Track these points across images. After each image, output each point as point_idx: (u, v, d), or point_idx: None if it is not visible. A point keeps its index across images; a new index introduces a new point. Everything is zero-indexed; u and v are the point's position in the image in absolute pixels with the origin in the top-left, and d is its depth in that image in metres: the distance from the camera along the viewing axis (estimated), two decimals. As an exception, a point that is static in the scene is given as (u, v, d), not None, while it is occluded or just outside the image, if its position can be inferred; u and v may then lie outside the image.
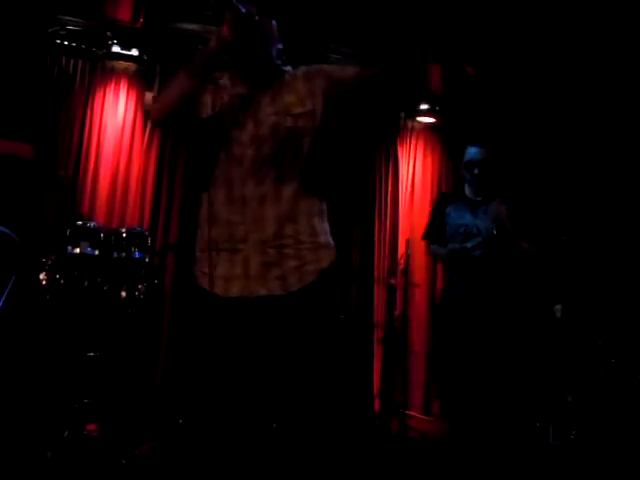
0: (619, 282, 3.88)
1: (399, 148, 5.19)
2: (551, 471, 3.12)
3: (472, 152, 3.08)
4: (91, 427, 2.95)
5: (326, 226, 1.71)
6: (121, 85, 4.50)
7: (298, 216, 1.65)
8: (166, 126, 1.67)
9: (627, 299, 3.79)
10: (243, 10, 1.57)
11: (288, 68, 1.79)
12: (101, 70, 4.47)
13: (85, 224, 3.05)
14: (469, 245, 2.91)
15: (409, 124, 5.25)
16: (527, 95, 4.46)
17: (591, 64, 4.16)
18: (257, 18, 1.62)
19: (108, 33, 4.29)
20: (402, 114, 5.10)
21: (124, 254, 3.03)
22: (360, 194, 4.96)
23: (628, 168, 4.17)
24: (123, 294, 3.01)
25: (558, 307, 3.90)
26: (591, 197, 4.30)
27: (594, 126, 4.30)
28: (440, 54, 4.56)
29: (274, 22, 1.76)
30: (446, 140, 5.27)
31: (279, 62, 1.74)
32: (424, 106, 5.00)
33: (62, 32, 4.30)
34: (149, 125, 4.40)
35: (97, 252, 2.99)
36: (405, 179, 5.15)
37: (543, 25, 3.98)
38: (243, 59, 1.67)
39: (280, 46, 1.76)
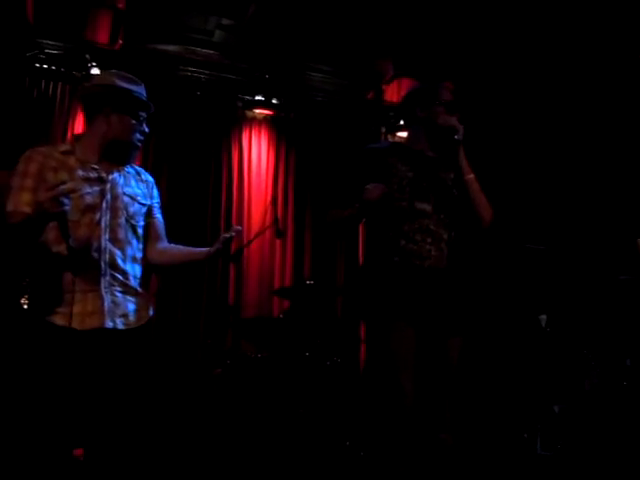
0: (602, 290, 3.92)
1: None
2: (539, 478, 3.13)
3: None
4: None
5: None
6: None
7: None
8: None
9: (611, 307, 3.82)
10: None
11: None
12: (81, 92, 4.48)
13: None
14: None
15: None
16: (502, 100, 4.53)
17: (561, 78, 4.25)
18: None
19: (87, 56, 4.31)
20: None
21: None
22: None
23: (606, 174, 4.22)
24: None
25: (543, 317, 3.92)
26: (568, 206, 4.35)
27: (570, 133, 4.36)
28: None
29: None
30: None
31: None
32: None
33: (41, 56, 4.32)
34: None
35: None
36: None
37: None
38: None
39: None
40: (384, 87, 5.06)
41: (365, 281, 2.27)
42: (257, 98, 5.00)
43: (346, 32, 4.34)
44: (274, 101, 5.05)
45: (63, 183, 1.72)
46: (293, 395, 3.52)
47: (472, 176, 2.22)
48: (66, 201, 1.71)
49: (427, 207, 2.21)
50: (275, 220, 4.06)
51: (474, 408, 3.69)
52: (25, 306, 3.07)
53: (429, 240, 2.20)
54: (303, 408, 3.46)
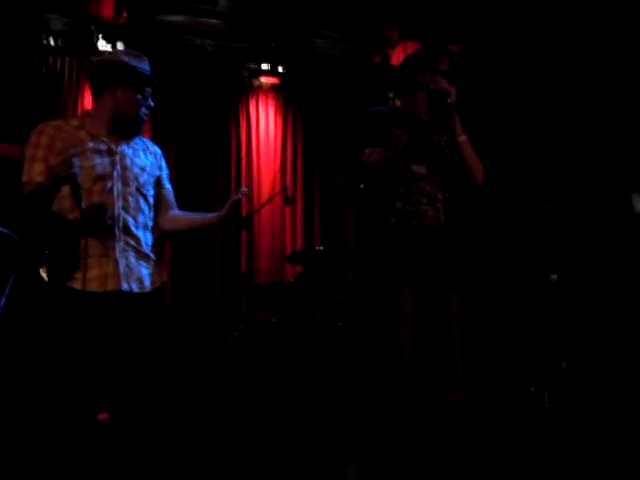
0: (612, 249, 3.95)
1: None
2: (547, 432, 3.21)
3: None
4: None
5: None
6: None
7: None
8: None
9: (620, 265, 3.86)
10: None
11: None
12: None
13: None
14: None
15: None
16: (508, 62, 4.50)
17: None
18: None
19: (92, 27, 4.34)
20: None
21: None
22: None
23: (617, 135, 4.20)
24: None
25: (554, 277, 3.96)
26: (581, 166, 4.34)
27: (582, 93, 4.32)
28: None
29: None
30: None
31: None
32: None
33: (47, 32, 4.35)
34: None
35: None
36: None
37: None
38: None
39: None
40: (390, 51, 5.04)
41: (363, 242, 2.34)
42: (263, 67, 5.01)
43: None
44: (280, 69, 5.05)
45: (72, 147, 1.81)
46: (306, 356, 3.63)
47: (464, 138, 2.27)
48: (76, 163, 1.80)
49: (422, 169, 2.27)
50: (284, 187, 4.13)
51: (482, 363, 3.78)
52: (45, 277, 3.19)
53: (425, 201, 2.25)
54: (316, 368, 3.58)
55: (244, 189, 2.27)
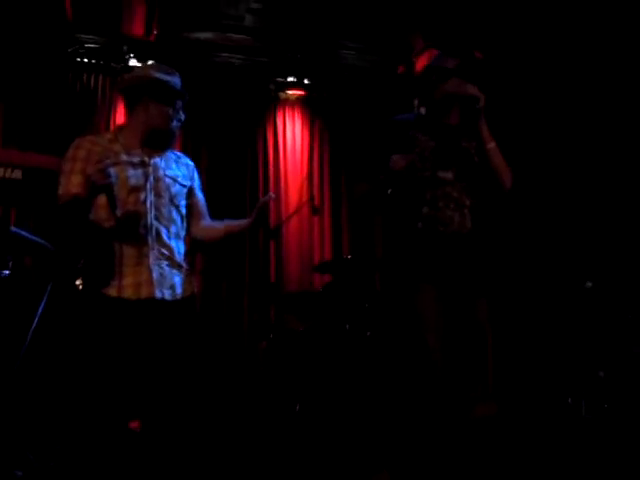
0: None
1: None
2: (584, 442, 3.12)
3: None
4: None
5: None
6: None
7: None
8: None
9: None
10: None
11: None
12: (121, 84, 4.65)
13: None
14: None
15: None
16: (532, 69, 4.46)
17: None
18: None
19: (124, 48, 4.47)
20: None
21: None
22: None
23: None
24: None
25: (589, 284, 3.89)
26: (615, 171, 4.26)
27: (613, 99, 4.25)
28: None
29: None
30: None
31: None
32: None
33: (81, 50, 4.50)
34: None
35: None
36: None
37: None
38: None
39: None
40: (415, 60, 5.05)
41: (390, 247, 2.35)
42: (289, 79, 5.08)
43: (374, 7, 4.34)
44: (306, 81, 5.11)
45: (108, 158, 1.87)
46: (335, 365, 3.63)
47: (493, 144, 2.26)
48: (112, 172, 1.85)
49: (449, 175, 2.27)
50: (310, 197, 4.15)
51: (515, 372, 3.71)
52: (80, 287, 3.26)
53: (452, 206, 2.25)
54: (345, 377, 3.57)
55: (271, 194, 2.32)
